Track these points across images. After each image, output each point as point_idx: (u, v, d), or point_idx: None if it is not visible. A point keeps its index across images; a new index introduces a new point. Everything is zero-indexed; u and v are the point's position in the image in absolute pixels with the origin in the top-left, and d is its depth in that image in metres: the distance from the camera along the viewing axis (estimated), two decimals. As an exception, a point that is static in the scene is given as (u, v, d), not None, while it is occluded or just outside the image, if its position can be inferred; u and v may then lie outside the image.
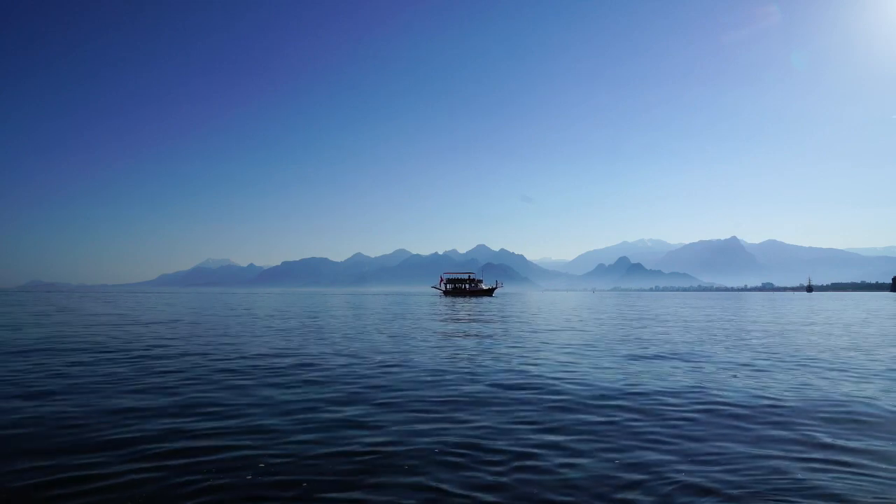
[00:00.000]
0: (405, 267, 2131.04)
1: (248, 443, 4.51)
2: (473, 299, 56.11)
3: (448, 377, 7.62)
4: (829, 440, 4.63)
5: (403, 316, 23.97)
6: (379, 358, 9.56)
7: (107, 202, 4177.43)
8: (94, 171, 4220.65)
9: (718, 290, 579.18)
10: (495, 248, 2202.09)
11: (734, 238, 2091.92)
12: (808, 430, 4.92)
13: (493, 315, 24.92)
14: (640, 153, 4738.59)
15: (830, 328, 17.78)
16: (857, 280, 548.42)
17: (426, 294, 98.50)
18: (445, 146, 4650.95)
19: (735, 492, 3.54)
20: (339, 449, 4.36)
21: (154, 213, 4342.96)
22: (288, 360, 9.22)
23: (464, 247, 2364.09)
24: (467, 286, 75.34)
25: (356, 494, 3.52)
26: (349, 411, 5.59)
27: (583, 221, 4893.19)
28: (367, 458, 4.16)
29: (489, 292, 76.45)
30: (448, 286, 76.66)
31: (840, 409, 5.78)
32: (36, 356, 9.74)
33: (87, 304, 39.09)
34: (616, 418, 5.34)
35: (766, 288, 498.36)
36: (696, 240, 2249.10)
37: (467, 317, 23.41)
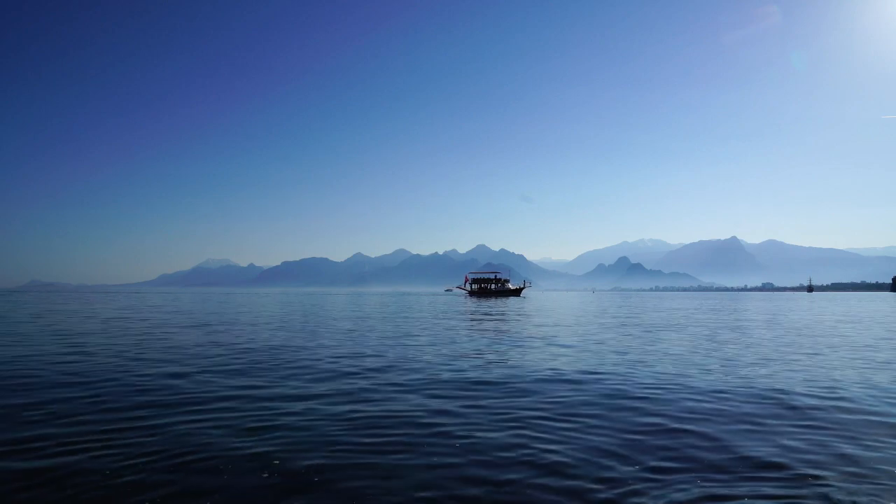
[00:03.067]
0: (405, 267, 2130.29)
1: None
2: (502, 299, 55.10)
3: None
4: None
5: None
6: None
7: (107, 202, 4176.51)
8: (94, 171, 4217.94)
9: (718, 289, 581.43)
10: (495, 248, 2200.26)
11: (734, 238, 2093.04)
12: None
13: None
14: (640, 153, 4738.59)
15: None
16: (857, 280, 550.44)
17: (440, 294, 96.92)
18: (445, 146, 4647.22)
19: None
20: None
21: (154, 213, 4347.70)
22: None
23: (464, 247, 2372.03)
24: (493, 286, 74.21)
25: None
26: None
27: (583, 221, 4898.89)
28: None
29: (517, 292, 74.05)
30: (473, 286, 75.99)
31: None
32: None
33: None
34: None
35: (767, 288, 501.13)
36: (696, 240, 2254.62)
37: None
